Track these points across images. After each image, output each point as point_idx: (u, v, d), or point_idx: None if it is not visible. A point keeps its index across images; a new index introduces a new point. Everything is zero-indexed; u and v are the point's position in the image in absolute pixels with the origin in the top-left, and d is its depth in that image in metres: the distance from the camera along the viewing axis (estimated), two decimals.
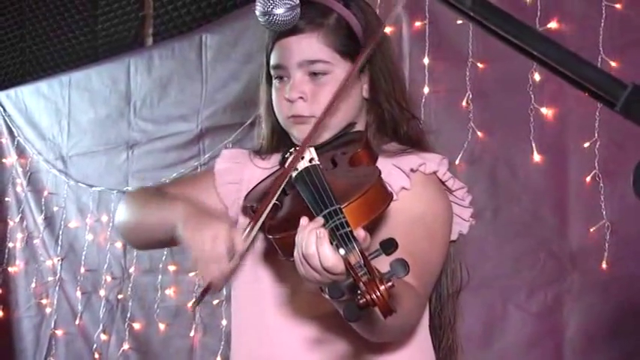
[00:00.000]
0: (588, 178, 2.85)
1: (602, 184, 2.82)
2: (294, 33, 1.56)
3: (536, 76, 2.93)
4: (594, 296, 2.86)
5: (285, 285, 1.60)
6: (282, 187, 1.45)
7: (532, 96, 2.95)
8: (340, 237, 1.17)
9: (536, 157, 2.96)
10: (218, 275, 1.39)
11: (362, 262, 1.13)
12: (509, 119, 3.05)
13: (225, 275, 1.40)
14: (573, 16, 2.92)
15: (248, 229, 1.44)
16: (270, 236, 1.34)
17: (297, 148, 1.52)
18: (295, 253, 1.23)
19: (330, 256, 1.16)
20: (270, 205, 1.45)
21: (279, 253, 1.33)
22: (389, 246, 1.14)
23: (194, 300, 1.49)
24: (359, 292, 1.10)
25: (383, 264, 1.14)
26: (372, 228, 1.30)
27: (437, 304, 1.69)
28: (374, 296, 1.09)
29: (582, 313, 2.88)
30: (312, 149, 1.49)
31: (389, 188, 1.38)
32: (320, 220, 1.22)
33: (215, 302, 4.00)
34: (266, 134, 1.72)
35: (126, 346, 4.48)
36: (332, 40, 1.57)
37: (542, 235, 2.97)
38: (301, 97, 1.58)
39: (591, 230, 2.84)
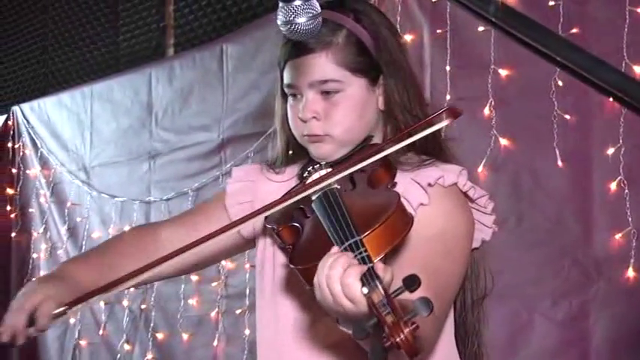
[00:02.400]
0: (613, 185, 2.82)
1: (627, 191, 2.79)
2: (304, 53, 1.56)
3: (559, 83, 2.91)
4: (620, 304, 2.83)
5: (305, 312, 1.59)
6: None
7: (555, 102, 2.93)
8: (363, 275, 1.13)
9: (560, 164, 2.93)
10: (7, 327, 1.48)
11: (385, 300, 1.10)
12: (532, 126, 3.02)
13: (13, 331, 1.48)
14: (596, 21, 2.89)
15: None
16: (293, 266, 1.32)
17: (319, 173, 1.51)
18: (315, 279, 1.20)
19: (354, 293, 1.13)
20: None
21: (303, 283, 1.30)
22: (411, 283, 1.11)
23: None
24: (384, 334, 1.08)
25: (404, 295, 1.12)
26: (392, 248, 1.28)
27: (461, 311, 1.67)
28: (398, 339, 1.07)
29: (608, 321, 2.84)
30: (330, 170, 1.48)
31: (409, 211, 1.35)
32: (350, 254, 1.18)
33: (238, 312, 4.00)
34: (281, 147, 1.71)
35: (149, 356, 4.49)
36: (342, 57, 1.56)
37: (566, 242, 2.94)
38: (314, 117, 1.57)
39: (617, 237, 2.81)
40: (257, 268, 1.71)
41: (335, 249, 1.21)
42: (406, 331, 1.07)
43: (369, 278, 1.12)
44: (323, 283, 1.17)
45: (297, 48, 1.55)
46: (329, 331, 1.52)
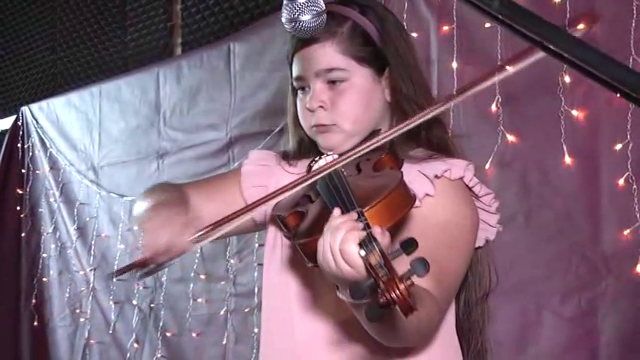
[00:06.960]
0: (621, 181, 2.82)
1: (635, 187, 2.78)
2: (310, 43, 1.59)
3: (567, 79, 2.90)
4: (629, 300, 2.82)
5: (310, 290, 1.62)
6: (289, 188, 1.45)
7: (562, 98, 2.93)
8: (361, 238, 1.17)
9: (568, 160, 2.92)
10: (153, 252, 1.38)
11: (382, 262, 1.13)
12: (540, 122, 3.02)
13: (161, 253, 1.38)
14: (604, 17, 2.89)
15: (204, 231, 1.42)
16: (295, 242, 1.35)
17: (325, 159, 1.53)
18: (320, 241, 1.23)
19: (352, 254, 1.17)
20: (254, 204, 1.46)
21: (304, 259, 1.34)
22: (409, 245, 1.15)
23: (117, 270, 1.48)
24: (379, 290, 1.11)
25: (404, 265, 1.14)
26: (394, 233, 1.30)
27: (465, 307, 1.69)
28: (394, 295, 1.09)
29: (617, 317, 2.84)
30: (336, 156, 1.50)
31: (411, 191, 1.38)
32: (353, 214, 1.22)
33: (247, 310, 4.01)
34: (293, 145, 1.74)
35: (159, 355, 4.50)
36: (347, 47, 1.59)
37: (574, 239, 2.93)
38: (321, 106, 1.60)
39: (625, 233, 2.80)
40: (266, 250, 1.74)
41: (337, 212, 1.25)
42: (401, 287, 1.09)
43: (366, 241, 1.16)
44: (326, 246, 1.21)
45: (303, 39, 1.58)
46: (333, 309, 1.55)
